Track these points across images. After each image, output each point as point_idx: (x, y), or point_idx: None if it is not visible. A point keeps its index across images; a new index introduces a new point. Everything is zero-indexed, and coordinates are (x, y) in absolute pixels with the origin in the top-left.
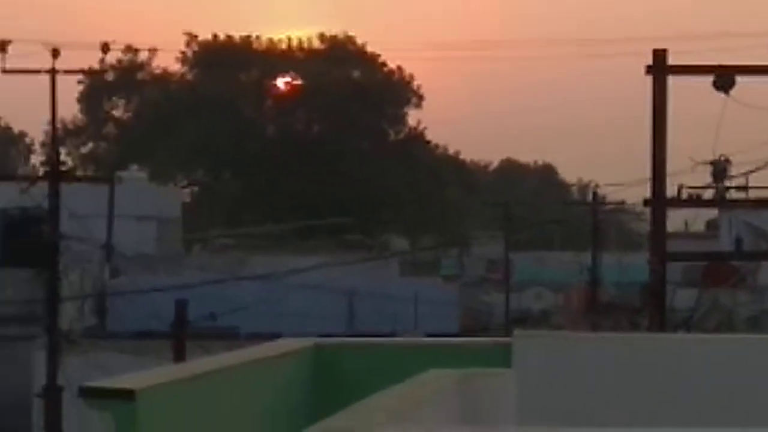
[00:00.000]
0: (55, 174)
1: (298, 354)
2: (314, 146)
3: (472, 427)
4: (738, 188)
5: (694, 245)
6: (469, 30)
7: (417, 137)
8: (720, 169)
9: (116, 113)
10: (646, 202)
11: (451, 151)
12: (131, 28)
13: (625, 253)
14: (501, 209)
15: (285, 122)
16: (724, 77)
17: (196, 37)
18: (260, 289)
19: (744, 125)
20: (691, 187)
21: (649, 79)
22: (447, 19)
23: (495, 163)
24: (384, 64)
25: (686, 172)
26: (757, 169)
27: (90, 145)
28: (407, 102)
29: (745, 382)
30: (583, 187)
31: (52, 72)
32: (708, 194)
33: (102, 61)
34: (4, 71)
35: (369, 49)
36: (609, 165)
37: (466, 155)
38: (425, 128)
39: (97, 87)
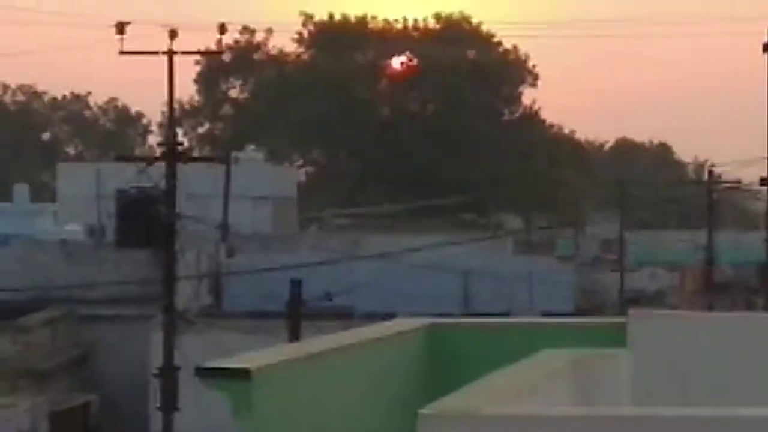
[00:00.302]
0: (172, 154)
1: (414, 334)
2: (429, 126)
3: (587, 407)
4: None
5: None
6: (584, 8)
7: (532, 117)
8: None
9: (233, 94)
10: (762, 181)
11: (566, 130)
12: (248, 8)
13: (742, 232)
14: (616, 189)
15: (400, 102)
16: None
17: (312, 17)
18: (375, 269)
19: None
20: None
21: (767, 57)
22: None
23: (610, 142)
24: (499, 44)
25: None
26: None
27: (206, 125)
28: (522, 81)
29: None
30: (699, 166)
31: (170, 53)
32: None
33: (219, 42)
34: (122, 53)
35: (484, 28)
36: (725, 144)
37: (581, 134)
38: (540, 107)
39: (214, 68)
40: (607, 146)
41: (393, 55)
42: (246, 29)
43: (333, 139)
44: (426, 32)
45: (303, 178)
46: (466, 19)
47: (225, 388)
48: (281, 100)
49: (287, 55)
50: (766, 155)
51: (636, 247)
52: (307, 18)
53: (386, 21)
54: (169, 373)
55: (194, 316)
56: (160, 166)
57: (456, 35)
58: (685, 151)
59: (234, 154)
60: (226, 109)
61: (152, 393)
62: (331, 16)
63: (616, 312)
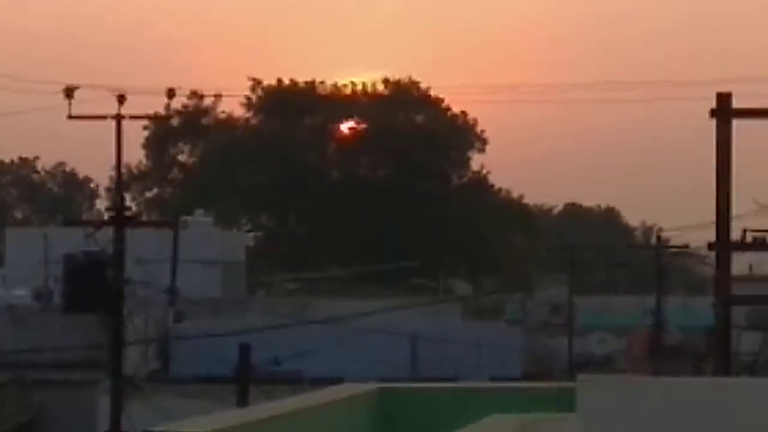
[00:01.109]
0: (120, 219)
1: (362, 398)
2: (378, 191)
3: None
4: None
5: (758, 289)
6: (531, 74)
7: (481, 181)
8: None
9: (181, 158)
10: (710, 246)
11: (515, 194)
12: (196, 73)
13: (690, 296)
14: (565, 253)
15: (349, 167)
16: None
17: (260, 82)
18: (324, 334)
19: None
20: (755, 231)
21: (713, 122)
22: (510, 63)
23: (559, 207)
24: (448, 109)
25: (751, 216)
26: None
27: (155, 190)
28: (471, 146)
29: None
30: (647, 231)
31: (118, 117)
32: None
33: (167, 106)
34: (71, 117)
35: (433, 93)
36: (673, 208)
37: (530, 199)
38: (489, 172)
39: (163, 132)
40: (555, 211)
41: (342, 120)
42: (194, 94)
43: (282, 203)
44: (375, 97)
45: (252, 242)
46: (415, 84)
47: None
48: (230, 165)
49: (236, 119)
50: (713, 220)
51: (585, 311)
52: (256, 83)
53: (335, 86)
54: None
55: (142, 381)
56: (108, 231)
57: (405, 100)
58: (633, 216)
59: (182, 218)
60: (175, 174)
61: None
62: (279, 81)
63: (564, 377)
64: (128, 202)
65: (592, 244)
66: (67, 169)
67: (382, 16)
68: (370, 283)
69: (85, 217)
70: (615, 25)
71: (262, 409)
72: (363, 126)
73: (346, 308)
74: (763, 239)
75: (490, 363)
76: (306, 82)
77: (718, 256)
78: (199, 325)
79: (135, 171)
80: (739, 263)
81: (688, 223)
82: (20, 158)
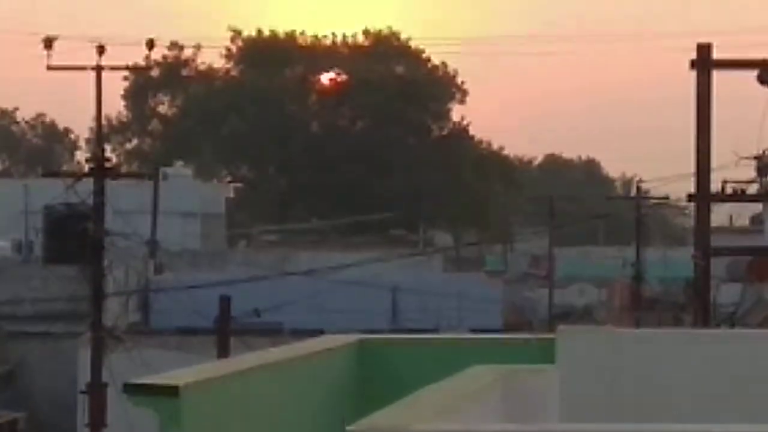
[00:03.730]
0: (100, 170)
1: (342, 350)
2: (359, 142)
3: (515, 423)
4: None
5: (738, 240)
6: (512, 25)
7: (461, 133)
8: (764, 163)
9: (161, 110)
10: (690, 197)
11: (494, 146)
12: (176, 24)
13: (669, 248)
14: (545, 204)
15: (329, 118)
16: None
17: (240, 33)
18: (304, 285)
19: None
20: (735, 182)
21: (694, 73)
22: (492, 14)
23: (539, 159)
24: (428, 60)
25: (730, 167)
26: None
27: (135, 141)
28: (451, 98)
29: None
30: (627, 182)
31: (98, 68)
32: (752, 189)
33: (147, 57)
34: (50, 68)
35: (413, 44)
36: (653, 160)
37: (510, 150)
38: (469, 124)
39: (142, 83)
40: (535, 162)
41: (322, 71)
42: (174, 45)
43: (262, 155)
44: (355, 48)
45: (232, 194)
46: (395, 35)
47: (153, 405)
48: (210, 116)
49: (216, 71)
50: (693, 171)
51: (565, 262)
52: (236, 34)
53: (315, 37)
54: (97, 390)
55: (122, 333)
56: (88, 183)
57: (385, 51)
58: (613, 167)
59: (162, 170)
60: (155, 125)
61: (80, 410)
62: (259, 32)
63: (544, 328)
64: (108, 153)
65: (572, 196)
66: (47, 120)
67: None
68: (351, 235)
69: (65, 168)
70: None
71: (242, 361)
72: (343, 77)
73: (326, 260)
74: (743, 190)
75: (471, 314)
76: (286, 33)
77: (697, 208)
78: (180, 277)
79: (115, 122)
80: (719, 214)
81: (668, 175)
82: None
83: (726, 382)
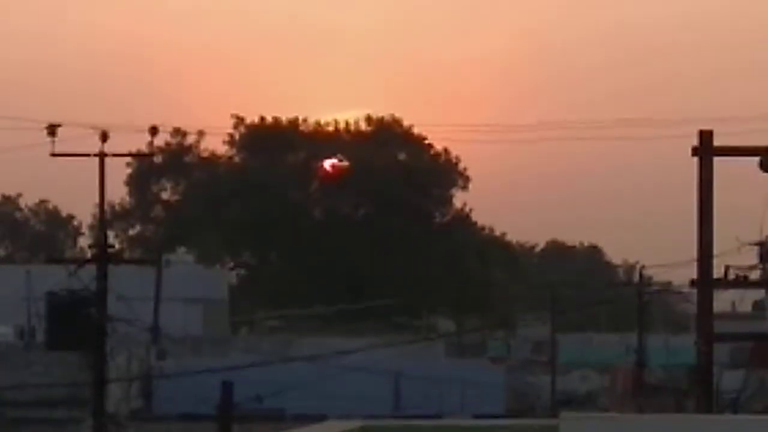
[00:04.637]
0: (103, 256)
1: None
2: (361, 228)
3: None
4: None
5: (741, 326)
6: (512, 112)
7: (463, 219)
8: (767, 249)
9: (164, 196)
10: (692, 283)
11: (497, 232)
12: (179, 111)
13: (672, 334)
14: (547, 291)
15: (332, 204)
16: None
17: (243, 119)
18: (307, 371)
19: None
20: (737, 268)
21: (695, 160)
22: (493, 101)
23: (541, 245)
24: (430, 146)
25: (733, 253)
26: None
27: (138, 227)
28: (453, 184)
29: None
30: (630, 268)
31: (101, 155)
32: (755, 275)
33: (150, 144)
34: (54, 155)
35: (415, 131)
36: (655, 246)
37: (512, 237)
38: (471, 210)
39: (145, 170)
40: (538, 248)
41: (324, 157)
42: (177, 131)
43: (264, 241)
44: (357, 134)
45: (234, 280)
46: (397, 122)
47: None
48: (213, 202)
49: (219, 157)
50: (695, 257)
51: (567, 349)
52: (239, 120)
53: (317, 123)
54: None
55: (124, 419)
56: (91, 269)
57: (387, 137)
58: (615, 253)
59: (165, 256)
60: (158, 211)
61: None
62: (262, 119)
63: (547, 414)
64: (111, 239)
65: (575, 282)
66: (50, 206)
67: (365, 54)
68: (353, 321)
69: (68, 254)
70: (593, 64)
71: None
72: (345, 164)
73: (328, 346)
74: (746, 276)
75: (474, 400)
76: (289, 120)
77: (700, 294)
78: (182, 363)
79: (118, 208)
80: (722, 300)
81: (671, 261)
82: (3, 195)
83: None
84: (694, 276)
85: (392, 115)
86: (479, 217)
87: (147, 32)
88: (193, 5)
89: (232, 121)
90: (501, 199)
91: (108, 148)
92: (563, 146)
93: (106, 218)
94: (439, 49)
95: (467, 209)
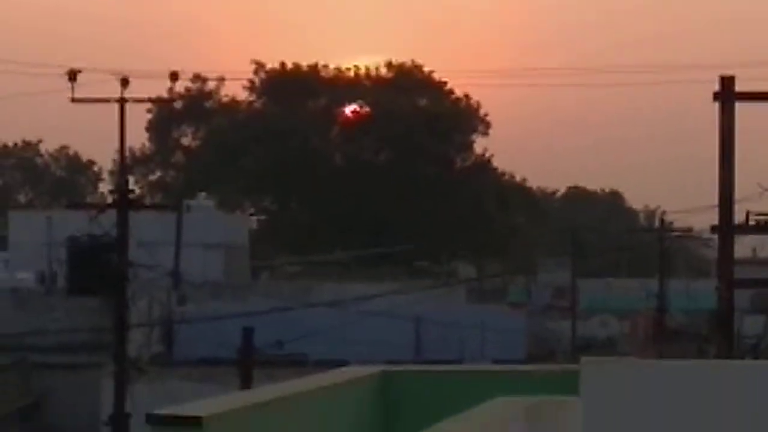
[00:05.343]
0: (124, 202)
1: (366, 381)
2: (382, 174)
3: None
4: None
5: (762, 272)
6: (534, 58)
7: (484, 164)
8: None
9: (184, 141)
10: (713, 229)
11: (518, 178)
12: (200, 57)
13: (693, 279)
14: (568, 236)
15: (352, 150)
16: None
17: (263, 65)
18: (327, 317)
19: None
20: (759, 214)
21: (717, 105)
22: (514, 46)
23: (562, 190)
24: (451, 92)
25: (754, 199)
26: None
27: (158, 173)
28: (474, 129)
29: None
30: (650, 214)
31: (121, 101)
32: None
33: (170, 90)
34: (74, 100)
35: (436, 76)
36: (676, 192)
37: (533, 182)
38: (492, 155)
39: (166, 116)
40: (558, 194)
41: (345, 103)
42: (198, 77)
43: (285, 186)
44: (378, 80)
45: (255, 225)
46: (418, 68)
47: None
48: (233, 148)
49: (239, 103)
50: (716, 203)
51: (588, 294)
52: (259, 66)
53: (338, 69)
54: (120, 421)
55: (145, 364)
56: (112, 214)
57: (408, 83)
58: (636, 199)
59: (185, 202)
60: (178, 157)
61: None
62: (282, 65)
63: (567, 359)
64: (131, 185)
65: (595, 228)
66: (71, 152)
67: (386, 0)
68: (374, 267)
69: (88, 200)
70: (618, 8)
71: (265, 392)
72: (366, 110)
73: (349, 291)
74: (767, 222)
75: (494, 346)
76: (309, 66)
77: (721, 239)
78: (203, 309)
79: (138, 154)
80: (743, 246)
81: (691, 206)
82: (24, 141)
83: (749, 414)
84: (715, 221)
85: (413, 61)
86: (500, 163)
87: None
88: None
89: (252, 67)
90: (522, 145)
91: (128, 93)
92: (585, 91)
93: (126, 164)
94: None
95: (488, 155)
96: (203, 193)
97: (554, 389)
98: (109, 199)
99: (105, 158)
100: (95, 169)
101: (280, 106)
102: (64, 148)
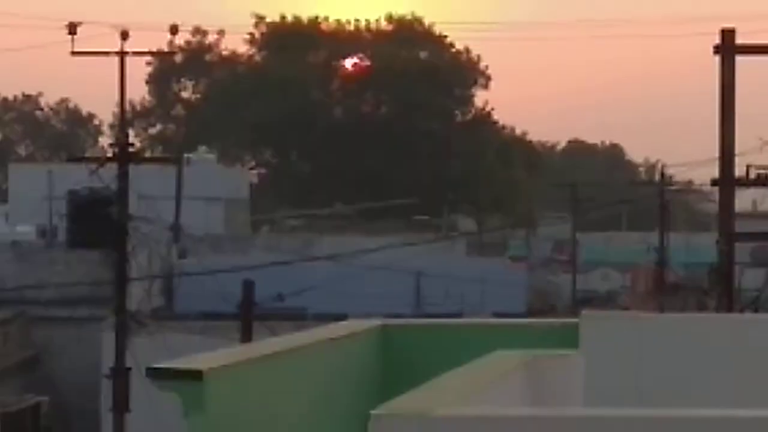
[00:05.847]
0: (124, 155)
1: (365, 335)
2: (382, 127)
3: (539, 408)
4: None
5: (762, 225)
6: (535, 10)
7: (484, 118)
8: None
9: (184, 95)
10: (714, 182)
11: (518, 131)
12: (200, 9)
13: (693, 233)
14: (568, 190)
15: (352, 103)
16: None
17: (263, 18)
18: (328, 270)
19: None
20: (759, 167)
21: (717, 58)
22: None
23: (562, 144)
24: (452, 45)
25: (755, 152)
26: None
27: (158, 126)
28: (475, 83)
29: None
30: (651, 167)
31: (121, 54)
32: None
33: (171, 43)
34: (74, 53)
35: (436, 30)
36: (677, 145)
37: (533, 136)
38: (492, 109)
39: (166, 69)
40: (559, 147)
41: (345, 57)
42: (198, 30)
43: (285, 140)
44: (378, 33)
45: (255, 179)
46: (419, 21)
47: (177, 389)
48: (233, 102)
49: (239, 56)
50: (717, 156)
51: (588, 248)
52: (259, 19)
53: (338, 22)
54: (120, 374)
55: (146, 317)
56: (112, 167)
57: (408, 36)
58: (637, 152)
59: (186, 155)
60: (178, 110)
61: (104, 394)
62: (282, 18)
63: (568, 313)
64: (132, 138)
65: (596, 181)
66: (71, 105)
67: None
68: (374, 220)
69: (89, 153)
70: None
71: (265, 345)
72: (366, 63)
73: (349, 245)
74: (767, 175)
75: (494, 299)
76: (309, 19)
77: (721, 193)
78: (203, 262)
79: (138, 107)
80: (743, 200)
81: (692, 160)
82: (24, 94)
83: (750, 367)
84: (716, 175)
85: (413, 14)
86: (501, 117)
87: None
88: None
89: (252, 20)
90: (522, 98)
91: (128, 46)
92: (585, 45)
93: (126, 117)
94: None
95: (488, 108)
96: (204, 147)
97: (554, 343)
98: (110, 153)
99: (105, 111)
100: (95, 122)
101: (281, 60)
102: (64, 101)
